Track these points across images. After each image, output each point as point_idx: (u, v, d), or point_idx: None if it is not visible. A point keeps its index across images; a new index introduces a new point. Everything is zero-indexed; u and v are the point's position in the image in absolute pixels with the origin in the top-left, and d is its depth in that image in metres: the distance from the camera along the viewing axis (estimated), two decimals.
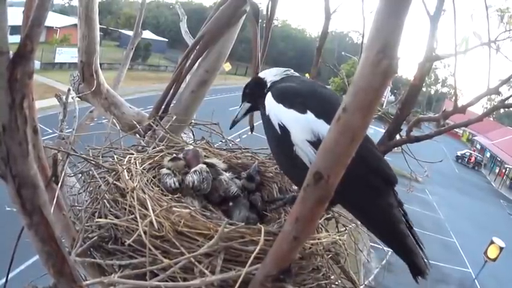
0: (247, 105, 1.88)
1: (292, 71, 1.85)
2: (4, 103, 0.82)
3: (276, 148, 1.63)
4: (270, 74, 1.82)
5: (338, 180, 0.82)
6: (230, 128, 1.95)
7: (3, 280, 1.85)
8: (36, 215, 1.01)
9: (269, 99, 1.63)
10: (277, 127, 1.54)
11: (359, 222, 2.00)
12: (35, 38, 0.83)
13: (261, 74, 1.88)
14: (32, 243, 1.11)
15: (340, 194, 1.21)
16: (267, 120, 1.61)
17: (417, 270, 1.35)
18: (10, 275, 1.79)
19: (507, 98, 2.03)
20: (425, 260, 1.38)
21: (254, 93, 1.85)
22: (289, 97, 1.56)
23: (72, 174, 2.11)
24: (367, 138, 1.51)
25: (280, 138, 1.53)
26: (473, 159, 42.53)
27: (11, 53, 0.86)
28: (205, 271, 1.28)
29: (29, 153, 0.92)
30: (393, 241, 1.38)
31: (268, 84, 1.77)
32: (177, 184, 1.83)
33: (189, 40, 5.24)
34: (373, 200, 1.40)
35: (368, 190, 1.40)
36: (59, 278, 1.13)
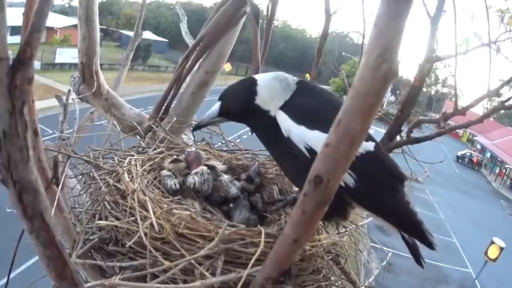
0: (223, 119, 1.73)
1: (291, 79, 1.64)
2: (4, 109, 0.82)
3: (302, 169, 1.50)
4: (270, 99, 1.58)
5: (338, 184, 0.83)
6: (193, 131, 1.86)
7: (4, 280, 1.85)
8: (37, 220, 1.02)
9: (285, 120, 1.51)
10: (304, 150, 1.45)
11: (359, 223, 2.01)
12: (35, 44, 0.83)
13: (260, 100, 1.59)
14: (33, 246, 1.12)
15: (362, 195, 1.44)
16: (284, 142, 1.50)
17: (430, 245, 1.50)
18: (11, 275, 1.80)
19: (507, 100, 2.03)
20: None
21: (246, 116, 1.66)
22: (309, 116, 1.48)
23: (73, 176, 2.12)
24: (376, 142, 1.54)
25: (309, 161, 1.45)
26: (475, 159, 42.63)
27: (11, 53, 0.86)
28: (206, 273, 1.28)
29: (30, 158, 0.92)
30: (412, 229, 1.51)
31: (273, 114, 1.56)
32: (177, 186, 1.82)
33: (189, 41, 5.26)
34: (392, 197, 1.49)
35: (387, 188, 1.48)
36: (60, 282, 1.14)
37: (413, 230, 1.50)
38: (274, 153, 1.73)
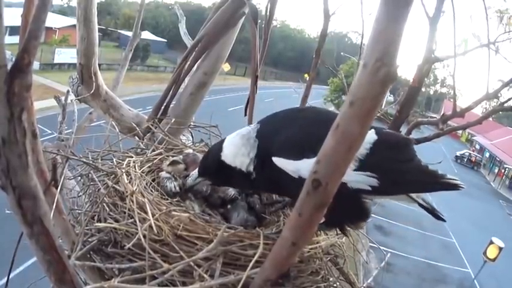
0: (205, 180, 1.80)
1: (246, 134, 1.66)
2: (3, 117, 0.82)
3: None
4: (243, 159, 1.63)
5: (336, 188, 0.83)
6: (186, 192, 1.86)
7: (4, 280, 1.85)
8: (37, 225, 1.02)
9: (288, 163, 1.48)
10: None
11: None
12: (33, 51, 0.82)
13: (225, 156, 1.66)
14: (32, 251, 1.12)
15: (388, 187, 1.44)
16: (294, 181, 1.46)
17: (456, 186, 1.49)
18: (10, 276, 1.80)
19: (506, 101, 2.03)
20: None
21: (223, 174, 1.71)
22: (305, 146, 1.43)
23: (72, 177, 2.11)
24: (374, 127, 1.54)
25: None
26: (474, 159, 42.79)
27: (10, 53, 0.85)
28: (205, 275, 1.28)
29: (29, 165, 0.92)
30: (438, 186, 1.49)
31: (251, 166, 1.61)
32: (177, 188, 1.82)
33: (188, 41, 5.25)
34: (411, 169, 1.49)
35: (404, 165, 1.49)
36: (60, 286, 1.14)
37: (439, 186, 1.50)
38: (284, 192, 1.75)
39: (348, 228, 1.65)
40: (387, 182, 1.43)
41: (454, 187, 1.49)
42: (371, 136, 1.45)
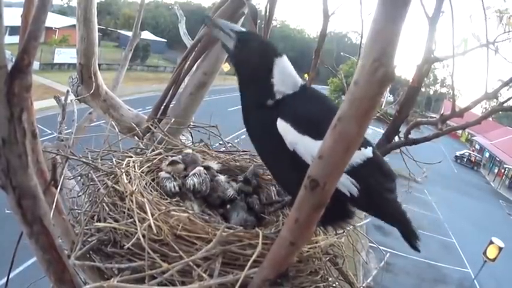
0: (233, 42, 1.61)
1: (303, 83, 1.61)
2: (3, 117, 0.82)
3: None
4: (281, 81, 1.54)
5: (334, 187, 0.83)
6: (206, 22, 1.71)
7: (4, 280, 1.85)
8: (37, 225, 1.02)
9: (290, 132, 1.44)
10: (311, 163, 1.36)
11: (357, 224, 2.01)
12: (32, 52, 0.83)
13: (277, 64, 1.56)
14: (32, 250, 1.12)
15: (364, 202, 1.45)
16: (287, 154, 1.43)
17: (415, 236, 1.56)
18: (10, 275, 1.80)
19: (506, 101, 2.03)
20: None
21: (253, 69, 1.58)
22: (312, 125, 1.40)
23: (71, 177, 2.12)
24: (372, 145, 1.56)
25: None
26: (474, 159, 42.80)
27: (10, 53, 0.86)
28: (204, 275, 1.28)
29: (29, 165, 0.92)
30: (401, 222, 1.54)
31: (277, 95, 1.53)
32: (177, 188, 1.82)
33: (188, 41, 5.26)
34: (388, 199, 1.51)
35: (384, 192, 1.50)
36: (59, 285, 1.14)
37: (403, 228, 1.55)
38: (268, 160, 1.69)
39: (329, 227, 1.68)
40: (365, 197, 1.43)
41: (411, 239, 1.56)
42: (368, 152, 1.47)
